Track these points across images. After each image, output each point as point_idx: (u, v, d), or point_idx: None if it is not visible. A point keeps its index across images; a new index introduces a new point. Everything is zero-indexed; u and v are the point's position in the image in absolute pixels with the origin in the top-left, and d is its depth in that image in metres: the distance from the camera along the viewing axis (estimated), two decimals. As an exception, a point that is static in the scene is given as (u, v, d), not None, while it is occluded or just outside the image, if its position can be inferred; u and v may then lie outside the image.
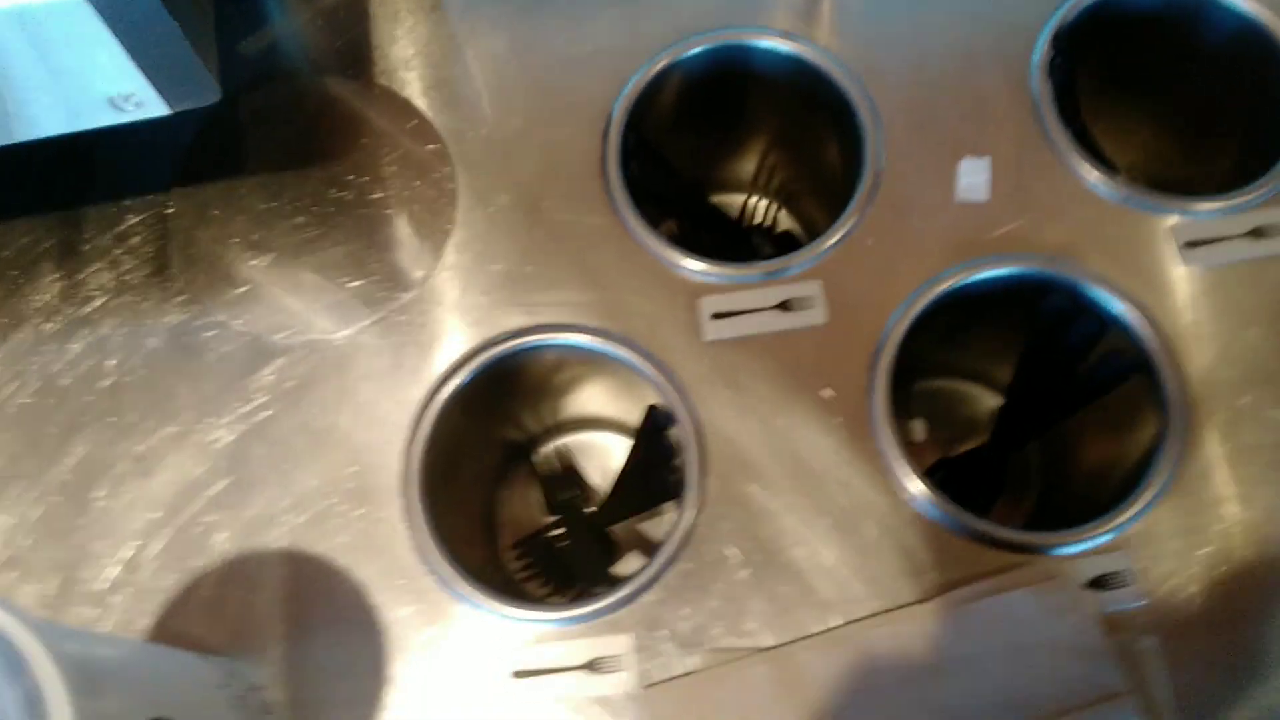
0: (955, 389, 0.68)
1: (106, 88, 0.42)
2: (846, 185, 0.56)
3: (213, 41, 0.44)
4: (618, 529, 0.62)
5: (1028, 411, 0.59)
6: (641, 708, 0.46)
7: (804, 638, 0.46)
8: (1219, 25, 0.58)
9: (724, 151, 0.70)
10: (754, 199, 0.73)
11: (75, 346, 0.54)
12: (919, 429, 0.68)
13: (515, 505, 0.67)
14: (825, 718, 0.44)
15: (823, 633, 0.46)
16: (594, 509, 0.62)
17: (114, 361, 0.53)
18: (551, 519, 0.65)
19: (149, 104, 0.43)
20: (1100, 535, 0.48)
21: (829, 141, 0.61)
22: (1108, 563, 0.48)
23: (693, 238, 0.70)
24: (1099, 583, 0.47)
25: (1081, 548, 0.48)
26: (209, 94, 0.43)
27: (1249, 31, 0.57)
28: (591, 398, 0.64)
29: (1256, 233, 0.53)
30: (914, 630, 0.46)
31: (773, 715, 0.45)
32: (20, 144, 0.44)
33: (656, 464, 0.55)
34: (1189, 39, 0.60)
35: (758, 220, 0.72)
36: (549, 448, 0.68)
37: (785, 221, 0.73)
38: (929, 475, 0.62)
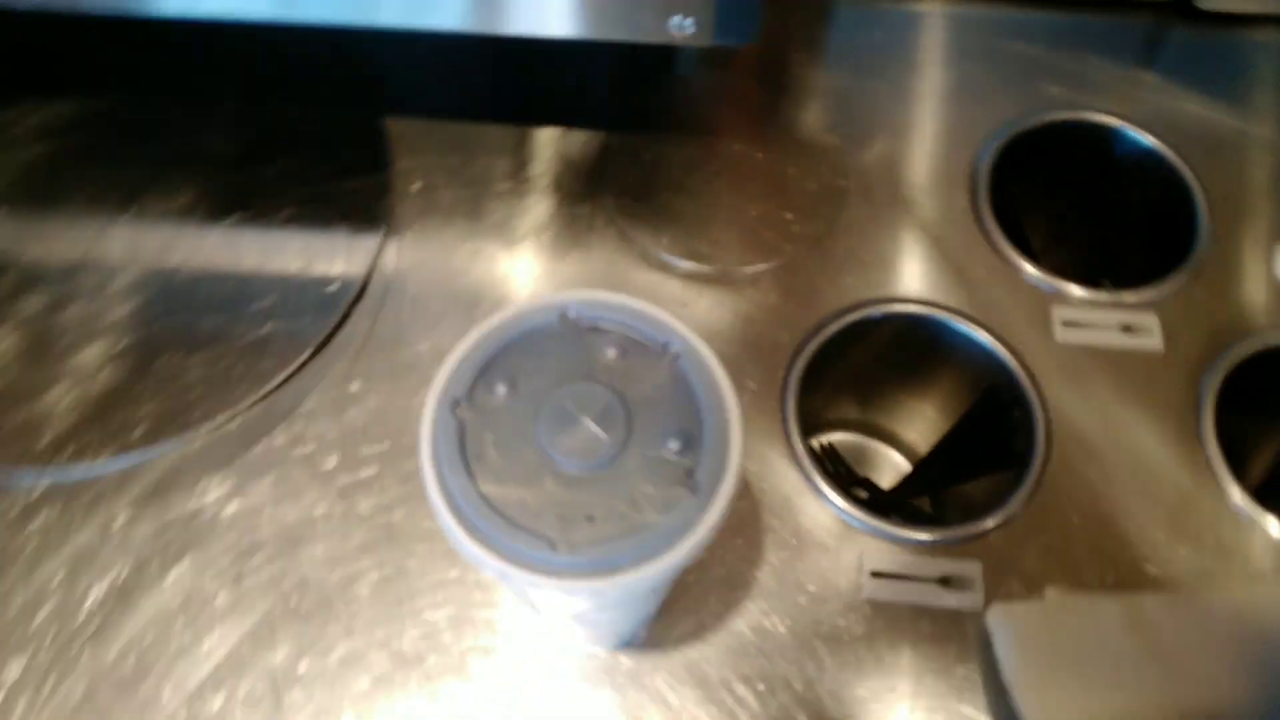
0: None
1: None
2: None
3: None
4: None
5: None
6: (994, 622, 0.49)
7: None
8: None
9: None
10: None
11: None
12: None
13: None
14: (1167, 663, 0.47)
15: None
16: (898, 483, 0.66)
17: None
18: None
19: (701, 32, 0.50)
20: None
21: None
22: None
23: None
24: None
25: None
26: (749, 37, 0.51)
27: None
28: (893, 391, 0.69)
29: (1126, 329, 0.58)
30: (1254, 607, 0.49)
31: (1121, 651, 0.47)
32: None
33: (990, 437, 0.59)
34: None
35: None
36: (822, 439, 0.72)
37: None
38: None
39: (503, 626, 0.50)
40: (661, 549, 0.31)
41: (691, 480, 0.32)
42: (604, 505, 0.32)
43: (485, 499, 0.32)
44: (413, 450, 0.32)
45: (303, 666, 0.49)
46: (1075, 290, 0.59)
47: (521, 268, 0.61)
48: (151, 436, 0.54)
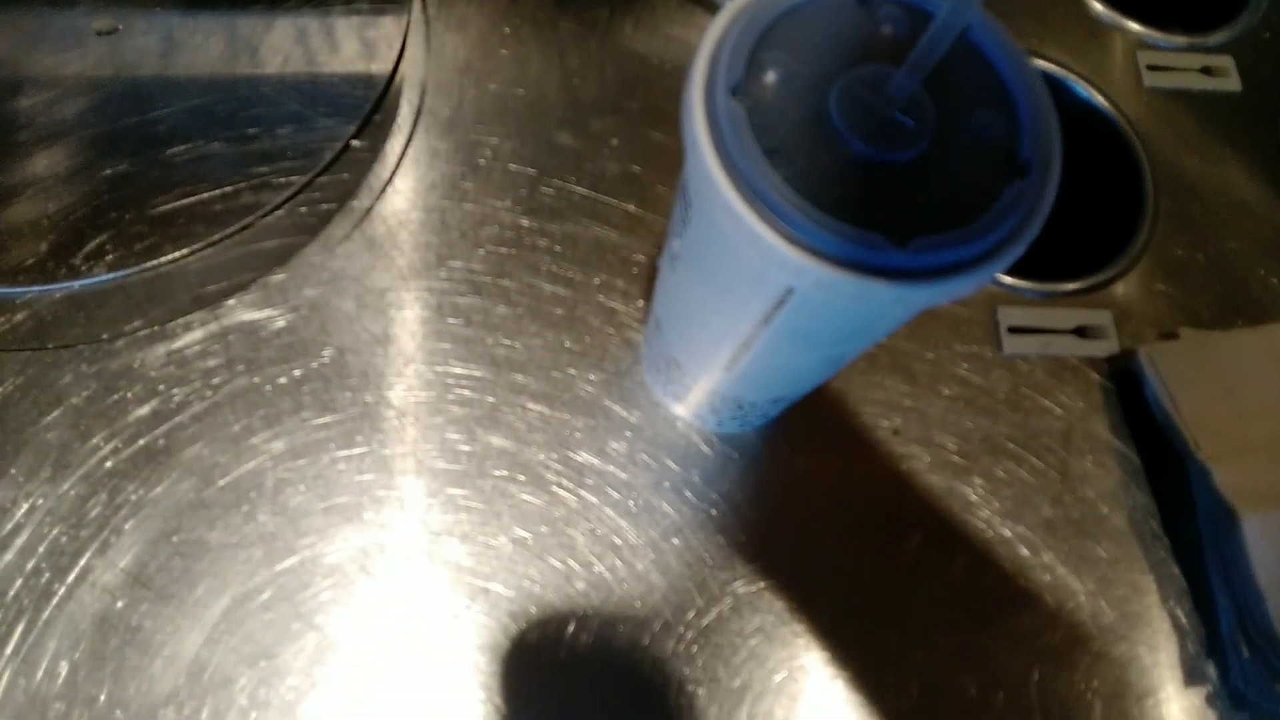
0: None
1: None
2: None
3: None
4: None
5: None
6: (1145, 362, 0.47)
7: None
8: None
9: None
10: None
11: None
12: None
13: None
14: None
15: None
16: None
17: None
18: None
19: None
20: None
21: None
22: None
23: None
24: None
25: None
26: None
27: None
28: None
29: (1206, 70, 0.58)
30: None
31: (1265, 379, 0.47)
32: None
33: (1096, 189, 0.57)
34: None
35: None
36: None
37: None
38: None
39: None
40: (1004, 239, 0.26)
41: (1015, 161, 0.27)
42: (925, 198, 0.27)
43: (797, 198, 0.26)
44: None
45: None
46: (1154, 34, 0.57)
47: (569, 23, 0.53)
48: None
